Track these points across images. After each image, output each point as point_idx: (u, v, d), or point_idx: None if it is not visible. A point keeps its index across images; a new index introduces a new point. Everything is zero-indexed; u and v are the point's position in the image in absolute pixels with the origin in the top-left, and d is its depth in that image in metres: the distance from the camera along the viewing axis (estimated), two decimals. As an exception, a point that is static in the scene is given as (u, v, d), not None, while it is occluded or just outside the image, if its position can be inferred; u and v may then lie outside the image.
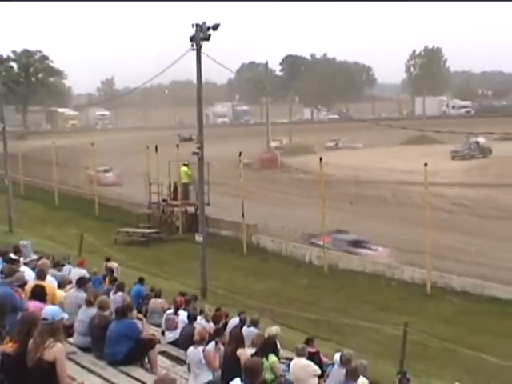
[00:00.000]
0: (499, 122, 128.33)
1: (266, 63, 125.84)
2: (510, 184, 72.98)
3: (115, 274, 29.31)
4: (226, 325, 20.01)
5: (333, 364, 17.50)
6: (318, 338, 23.42)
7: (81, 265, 27.81)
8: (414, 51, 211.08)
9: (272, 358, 17.29)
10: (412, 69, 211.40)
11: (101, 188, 64.29)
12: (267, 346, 17.58)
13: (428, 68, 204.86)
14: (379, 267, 40.39)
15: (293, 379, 17.52)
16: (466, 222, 51.22)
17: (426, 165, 38.49)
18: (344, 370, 14.84)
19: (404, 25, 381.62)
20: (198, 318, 21.34)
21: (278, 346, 18.41)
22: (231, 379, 11.93)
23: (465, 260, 40.22)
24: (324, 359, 19.50)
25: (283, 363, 18.16)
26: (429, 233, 38.11)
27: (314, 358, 18.86)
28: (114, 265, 30.92)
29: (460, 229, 48.17)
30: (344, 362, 15.64)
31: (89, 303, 17.65)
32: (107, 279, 27.41)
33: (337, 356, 17.21)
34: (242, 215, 47.05)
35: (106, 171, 74.13)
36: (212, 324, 20.49)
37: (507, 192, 67.85)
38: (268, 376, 16.58)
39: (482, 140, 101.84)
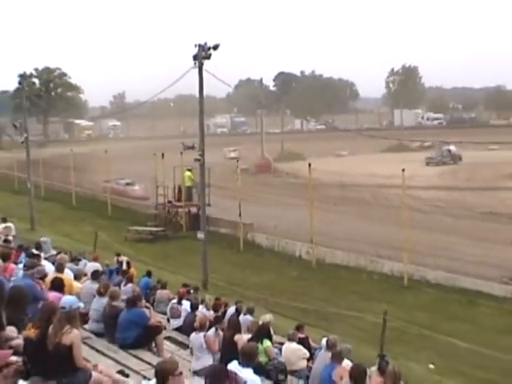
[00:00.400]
0: (468, 132, 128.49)
1: (261, 79, 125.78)
2: (478, 187, 73.10)
3: (124, 267, 29.39)
4: (225, 313, 20.00)
5: (320, 348, 17.52)
6: (307, 324, 23.38)
7: (95, 259, 27.86)
8: (393, 69, 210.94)
9: (266, 342, 17.31)
10: (391, 85, 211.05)
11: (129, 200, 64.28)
12: (262, 332, 17.59)
13: (405, 84, 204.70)
14: (362, 261, 40.41)
15: (284, 361, 17.54)
16: (439, 221, 51.15)
17: (403, 170, 38.60)
18: (330, 354, 14.82)
19: (384, 46, 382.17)
20: (200, 306, 21.36)
21: (272, 333, 18.43)
22: (229, 361, 11.94)
23: (438, 255, 40.14)
24: (312, 344, 19.53)
25: (276, 347, 18.17)
26: (406, 231, 38.14)
27: (303, 342, 18.89)
28: (123, 258, 30.93)
29: (434, 227, 48.06)
30: (330, 346, 15.62)
31: (100, 293, 17.67)
32: (120, 271, 27.49)
33: (323, 341, 17.21)
34: (239, 215, 47.08)
35: (129, 184, 71.19)
36: (212, 312, 20.50)
37: (475, 194, 67.93)
38: (262, 359, 16.59)
39: (453, 148, 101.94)
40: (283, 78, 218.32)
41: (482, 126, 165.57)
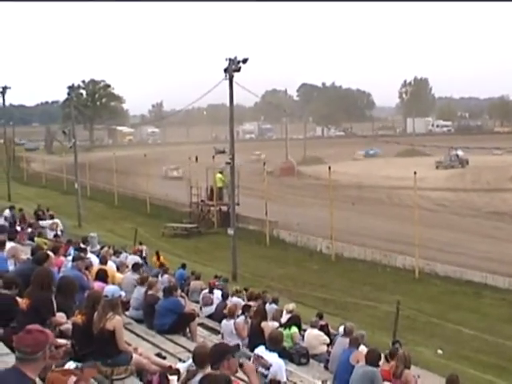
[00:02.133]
0: (474, 138, 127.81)
1: (286, 90, 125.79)
2: (483, 189, 72.80)
3: (144, 254, 29.58)
4: (265, 304, 19.90)
5: (338, 334, 17.54)
6: (326, 313, 23.41)
7: (135, 253, 27.98)
8: (406, 80, 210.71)
9: (293, 329, 17.49)
10: (404, 95, 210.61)
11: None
12: (293, 320, 17.78)
13: (417, 94, 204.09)
14: (377, 256, 40.33)
15: (306, 346, 17.60)
16: (447, 220, 50.95)
17: (415, 173, 38.45)
18: (347, 339, 14.84)
19: (397, 59, 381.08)
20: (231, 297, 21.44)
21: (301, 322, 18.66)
22: (257, 346, 12.00)
23: (446, 250, 39.99)
24: (331, 330, 19.53)
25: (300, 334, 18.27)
26: (417, 228, 38.05)
27: (323, 329, 18.92)
28: (143, 247, 31.01)
29: (442, 225, 47.88)
30: (347, 332, 15.65)
31: (140, 283, 17.83)
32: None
33: (341, 328, 17.24)
34: (266, 213, 47.11)
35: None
36: (242, 301, 20.55)
37: (480, 195, 67.63)
38: (287, 344, 16.67)
39: (460, 153, 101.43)
40: (306, 89, 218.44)
41: (487, 132, 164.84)
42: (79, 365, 9.93)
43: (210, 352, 8.88)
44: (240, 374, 9.75)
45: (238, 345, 11.82)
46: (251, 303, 19.47)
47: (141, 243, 34.08)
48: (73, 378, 7.56)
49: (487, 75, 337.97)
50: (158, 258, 32.46)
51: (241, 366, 9.41)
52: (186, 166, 57.19)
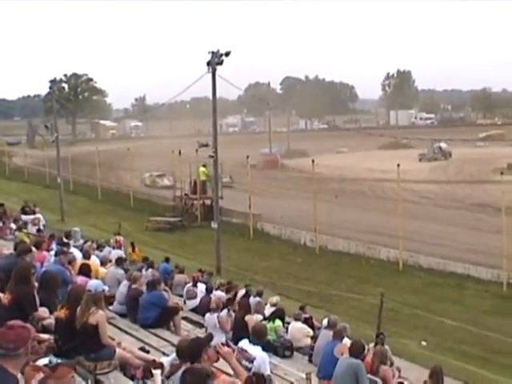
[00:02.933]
0: (457, 130, 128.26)
1: (269, 83, 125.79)
2: (466, 181, 73.02)
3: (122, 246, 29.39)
4: (235, 294, 20.01)
5: (322, 327, 17.57)
6: (310, 306, 23.50)
7: (119, 247, 27.90)
8: (388, 73, 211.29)
9: (277, 322, 17.52)
10: (387, 87, 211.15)
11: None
12: (277, 313, 17.81)
13: (400, 87, 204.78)
14: (361, 248, 40.44)
15: (290, 339, 17.63)
16: (430, 212, 51.02)
17: (398, 165, 38.61)
18: (331, 332, 14.87)
19: (380, 52, 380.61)
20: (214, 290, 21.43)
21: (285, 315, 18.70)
22: (240, 339, 12.00)
23: (430, 242, 40.08)
24: (315, 323, 19.56)
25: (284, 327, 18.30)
26: (400, 220, 38.22)
27: (307, 322, 18.97)
28: (120, 238, 30.95)
29: (425, 217, 47.96)
30: (331, 325, 15.67)
31: (128, 279, 17.84)
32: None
33: (325, 320, 17.28)
34: (249, 206, 47.13)
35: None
36: (225, 294, 20.56)
37: (463, 187, 67.83)
38: (271, 337, 16.69)
39: (443, 145, 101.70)
40: (289, 82, 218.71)
41: (470, 125, 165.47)
42: (56, 361, 9.83)
43: (187, 349, 8.90)
44: (223, 366, 9.78)
45: (211, 334, 11.80)
46: (230, 296, 19.52)
47: (119, 234, 33.87)
48: (40, 375, 7.48)
49: (470, 67, 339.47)
50: (133, 250, 32.39)
51: (217, 352, 9.44)
52: (170, 159, 56.92)
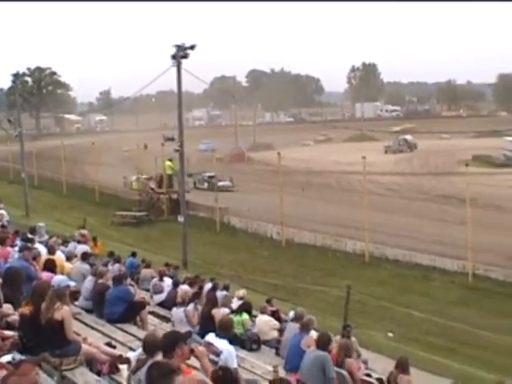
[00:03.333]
0: (423, 122, 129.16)
1: (234, 76, 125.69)
2: (431, 172, 73.59)
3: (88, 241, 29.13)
4: (201, 288, 19.98)
5: (289, 320, 17.61)
6: (277, 299, 23.58)
7: (86, 241, 27.72)
8: (354, 66, 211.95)
9: (244, 315, 17.52)
10: (352, 80, 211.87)
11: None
12: (244, 307, 17.83)
13: (365, 79, 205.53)
14: (327, 241, 40.61)
15: (257, 332, 17.66)
16: (396, 204, 51.35)
17: (363, 158, 38.82)
18: (298, 324, 14.90)
19: (346, 44, 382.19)
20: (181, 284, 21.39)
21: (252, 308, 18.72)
22: (207, 333, 12.01)
23: (396, 234, 40.37)
24: (282, 316, 19.62)
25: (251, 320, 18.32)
26: (366, 212, 38.45)
27: (274, 315, 19.02)
28: (85, 231, 30.71)
29: (391, 209, 48.29)
30: (297, 317, 15.70)
31: (94, 275, 17.73)
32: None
33: (291, 313, 17.34)
34: (216, 200, 47.15)
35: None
36: (190, 288, 20.52)
37: (428, 179, 68.36)
38: (238, 330, 16.71)
39: (409, 137, 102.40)
40: (255, 75, 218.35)
41: (435, 117, 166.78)
42: (20, 357, 9.77)
43: (162, 340, 8.88)
44: (193, 361, 9.77)
45: (190, 331, 11.80)
46: (196, 289, 19.50)
47: (83, 227, 33.63)
48: (3, 372, 7.41)
49: (435, 60, 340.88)
50: (96, 244, 32.19)
51: (192, 351, 9.42)
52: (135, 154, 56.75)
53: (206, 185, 63.14)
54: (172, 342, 8.69)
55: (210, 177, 62.74)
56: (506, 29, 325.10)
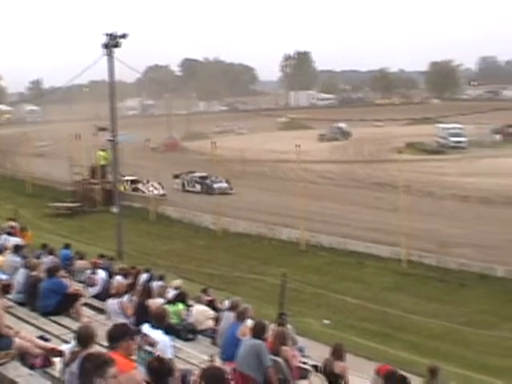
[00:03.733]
0: (357, 111, 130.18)
1: (167, 65, 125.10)
2: (365, 160, 74.40)
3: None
4: (135, 278, 19.89)
5: (225, 309, 17.65)
6: (214, 288, 23.61)
7: (16, 234, 27.34)
8: (288, 54, 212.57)
9: (179, 305, 17.48)
10: (286, 69, 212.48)
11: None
12: (179, 297, 17.79)
13: (299, 68, 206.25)
14: (262, 230, 40.79)
15: (194, 322, 17.67)
16: (331, 192, 51.82)
17: (297, 146, 39.08)
18: (234, 314, 14.94)
19: (280, 33, 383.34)
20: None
21: (187, 298, 18.67)
22: (142, 324, 11.97)
23: (331, 222, 40.78)
24: (218, 305, 19.64)
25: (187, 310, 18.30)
26: (301, 200, 38.69)
27: (210, 304, 19.04)
28: (13, 224, 30.30)
29: (327, 197, 48.75)
30: (233, 306, 15.73)
31: (27, 267, 17.51)
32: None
33: (227, 302, 17.38)
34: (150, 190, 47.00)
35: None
36: (124, 279, 20.41)
37: (363, 167, 69.07)
38: (174, 320, 16.69)
39: (343, 125, 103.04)
40: (189, 64, 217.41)
41: (369, 105, 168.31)
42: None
43: (110, 330, 8.87)
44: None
45: (139, 330, 11.74)
46: (131, 280, 19.41)
47: (13, 219, 33.11)
48: None
49: (368, 48, 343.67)
50: (24, 235, 31.72)
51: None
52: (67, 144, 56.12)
53: (198, 187, 56.97)
54: (120, 334, 8.70)
55: (203, 177, 57.35)
56: (437, 18, 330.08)
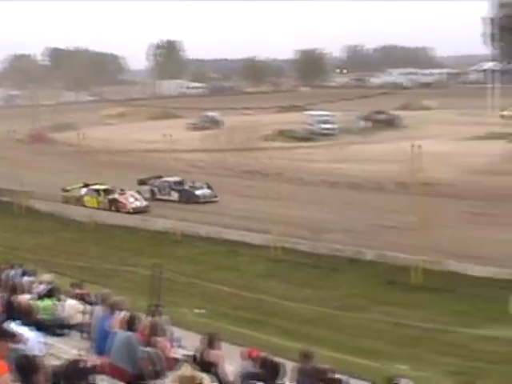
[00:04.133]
0: (227, 99, 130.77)
1: (31, 54, 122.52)
2: (236, 148, 74.73)
3: None
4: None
5: (96, 302, 17.47)
6: (86, 281, 23.25)
7: None
8: (157, 43, 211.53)
9: (49, 300, 17.17)
10: (156, 57, 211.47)
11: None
12: (48, 291, 17.49)
13: (168, 57, 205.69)
14: (136, 221, 40.68)
15: (65, 316, 17.41)
16: (202, 181, 51.72)
17: (165, 135, 39.19)
18: (105, 307, 14.82)
19: (149, 22, 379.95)
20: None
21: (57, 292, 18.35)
22: (10, 321, 11.73)
23: (205, 211, 40.98)
24: (89, 299, 19.41)
25: (56, 304, 18.00)
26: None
27: (81, 298, 18.81)
28: None
29: (199, 186, 48.77)
30: (103, 299, 15.61)
31: None
32: None
33: (98, 295, 17.20)
34: (19, 183, 45.94)
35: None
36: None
37: (234, 155, 69.34)
38: (44, 316, 16.41)
39: (214, 114, 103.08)
40: (55, 53, 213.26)
41: (239, 93, 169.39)
42: None
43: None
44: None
45: (14, 333, 11.43)
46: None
47: None
48: None
49: (237, 37, 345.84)
50: None
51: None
52: None
53: (175, 195, 48.17)
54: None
55: (178, 183, 49.17)
56: (309, 7, 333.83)
